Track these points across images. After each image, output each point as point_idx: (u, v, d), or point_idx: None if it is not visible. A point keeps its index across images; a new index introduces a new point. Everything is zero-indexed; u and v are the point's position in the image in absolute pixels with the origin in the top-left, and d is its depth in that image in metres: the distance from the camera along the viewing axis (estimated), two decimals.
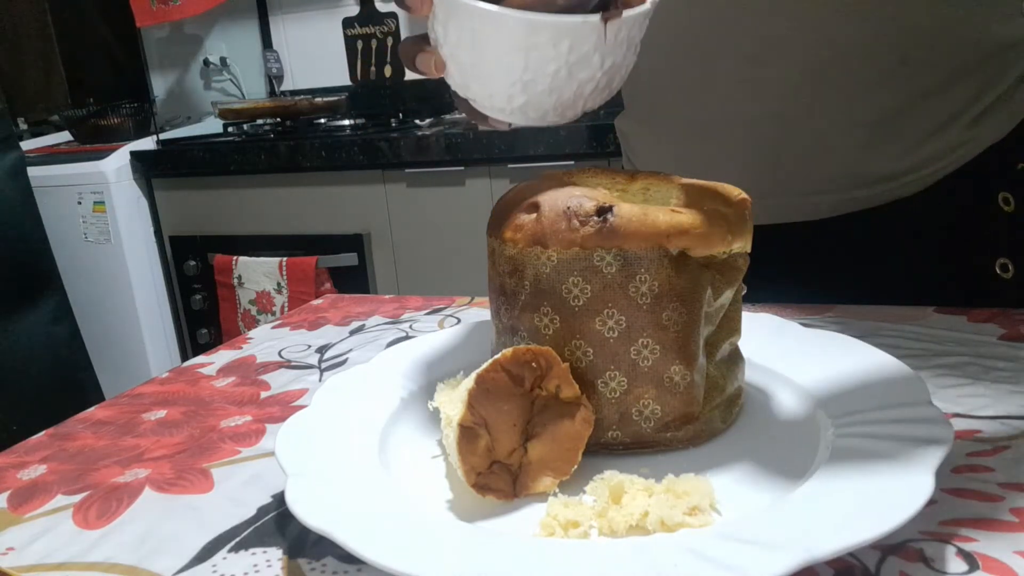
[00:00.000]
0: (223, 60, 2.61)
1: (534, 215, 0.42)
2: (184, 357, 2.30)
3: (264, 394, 0.58)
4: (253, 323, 2.10)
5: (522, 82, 0.42)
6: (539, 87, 0.42)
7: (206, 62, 2.64)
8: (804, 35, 0.64)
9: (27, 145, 2.29)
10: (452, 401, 0.40)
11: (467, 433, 0.38)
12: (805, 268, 0.71)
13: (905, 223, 0.68)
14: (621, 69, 0.44)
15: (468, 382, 0.39)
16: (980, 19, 0.65)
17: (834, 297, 0.66)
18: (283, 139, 2.07)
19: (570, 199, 0.41)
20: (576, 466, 0.40)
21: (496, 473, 0.39)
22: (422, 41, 0.45)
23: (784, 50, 0.65)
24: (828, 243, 0.70)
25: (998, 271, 0.67)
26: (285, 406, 0.55)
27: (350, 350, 0.65)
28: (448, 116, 2.17)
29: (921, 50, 0.63)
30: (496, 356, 0.40)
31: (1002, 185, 0.68)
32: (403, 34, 2.35)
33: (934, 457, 0.35)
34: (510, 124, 0.47)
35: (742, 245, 0.43)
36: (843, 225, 0.69)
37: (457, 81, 0.45)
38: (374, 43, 2.40)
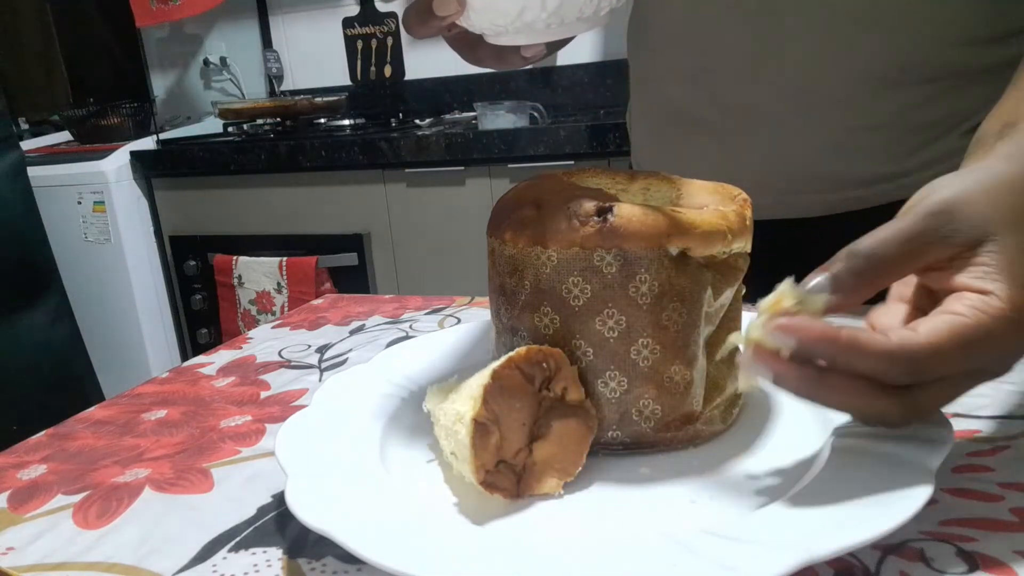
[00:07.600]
0: (223, 60, 2.62)
1: (534, 215, 0.42)
2: (184, 357, 2.30)
3: (264, 394, 0.58)
4: (253, 323, 2.10)
5: None
6: None
7: (206, 62, 2.64)
8: (805, 35, 0.64)
9: (27, 145, 2.29)
10: (452, 401, 0.40)
11: (481, 429, 0.37)
12: (800, 267, 0.71)
13: None
14: None
15: (482, 378, 0.39)
16: (980, 36, 0.65)
17: None
18: (283, 139, 2.07)
19: (570, 199, 0.41)
20: (581, 467, 0.40)
21: (501, 472, 0.39)
22: None
23: (785, 49, 0.65)
24: (824, 242, 0.70)
25: None
26: (285, 406, 0.55)
27: (350, 350, 0.65)
28: (448, 116, 2.17)
29: (921, 60, 0.64)
30: (511, 353, 0.39)
31: None
32: (403, 34, 2.35)
33: (934, 457, 0.35)
34: (531, 56, 0.46)
35: (742, 245, 0.43)
36: (839, 225, 0.69)
37: (479, 7, 0.42)
38: (374, 43, 2.40)
